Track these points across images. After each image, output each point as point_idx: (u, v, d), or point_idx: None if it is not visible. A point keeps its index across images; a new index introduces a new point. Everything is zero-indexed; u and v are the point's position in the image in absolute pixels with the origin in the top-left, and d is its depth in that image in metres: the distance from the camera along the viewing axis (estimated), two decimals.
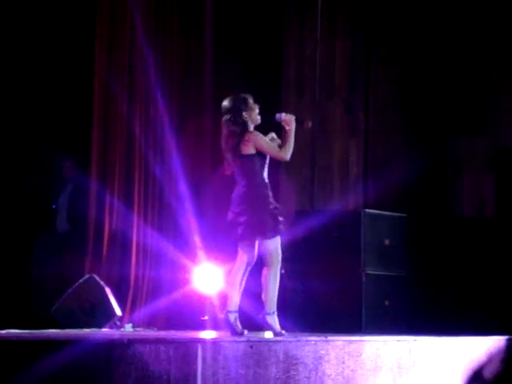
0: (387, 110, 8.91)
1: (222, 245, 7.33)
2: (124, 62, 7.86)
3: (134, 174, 7.79)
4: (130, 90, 7.83)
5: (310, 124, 6.17)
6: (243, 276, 5.91)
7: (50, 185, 8.49)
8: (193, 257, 7.64)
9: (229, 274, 6.05)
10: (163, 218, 7.79)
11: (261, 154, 5.87)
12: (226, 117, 5.87)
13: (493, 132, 8.94)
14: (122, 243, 7.68)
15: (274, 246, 5.90)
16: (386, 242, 7.75)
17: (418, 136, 8.96)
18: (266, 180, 5.92)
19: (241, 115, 5.84)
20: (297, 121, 5.97)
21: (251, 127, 5.89)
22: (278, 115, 6.00)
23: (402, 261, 7.92)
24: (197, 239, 7.71)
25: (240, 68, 8.50)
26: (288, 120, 5.96)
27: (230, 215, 5.89)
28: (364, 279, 7.52)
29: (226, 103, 5.93)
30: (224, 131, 5.89)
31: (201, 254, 7.68)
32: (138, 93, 7.83)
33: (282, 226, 5.89)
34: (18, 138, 8.33)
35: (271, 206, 5.87)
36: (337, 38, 8.78)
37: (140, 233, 7.66)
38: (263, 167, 5.90)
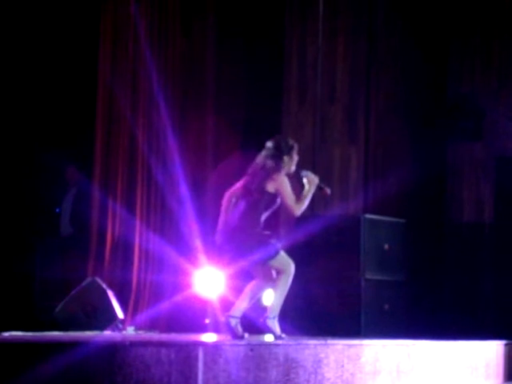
0: (388, 115, 8.95)
1: (224, 249, 7.38)
2: (127, 67, 7.91)
3: (136, 179, 7.83)
4: (132, 95, 7.88)
5: (328, 192, 6.29)
6: (260, 292, 6.06)
7: (54, 189, 8.54)
8: (194, 261, 7.69)
9: (249, 284, 6.11)
10: (165, 222, 7.83)
11: (272, 198, 6.00)
12: (269, 152, 6.07)
13: (491, 139, 9.00)
14: (124, 247, 7.72)
15: (278, 262, 6.02)
16: (386, 246, 7.79)
17: (417, 142, 9.02)
18: (262, 219, 6.04)
19: (282, 157, 6.05)
20: (318, 183, 6.12)
21: (283, 172, 6.05)
22: (304, 172, 6.15)
23: (401, 265, 7.96)
24: (198, 243, 7.74)
25: (241, 73, 8.55)
26: (311, 180, 6.11)
27: (219, 237, 6.03)
28: (363, 284, 7.56)
29: (272, 141, 6.12)
30: (259, 163, 6.07)
31: (202, 257, 7.72)
32: (141, 98, 7.87)
33: (275, 246, 5.99)
34: (22, 142, 8.38)
35: (259, 234, 5.98)
36: (338, 43, 8.82)
37: (142, 237, 7.70)
38: (267, 210, 6.04)
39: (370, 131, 8.81)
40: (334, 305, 7.55)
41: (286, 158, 6.07)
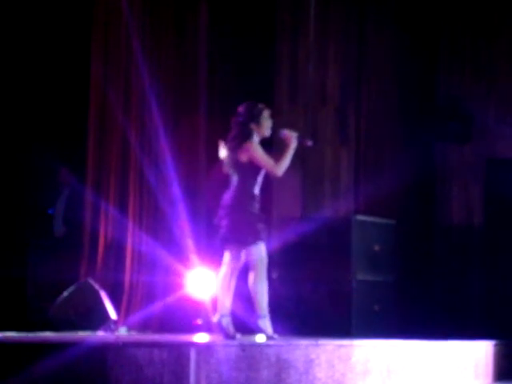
0: (378, 116, 9.01)
1: (216, 249, 7.43)
2: (120, 69, 7.93)
3: (128, 180, 7.85)
4: (125, 97, 7.91)
5: (310, 143, 6.24)
6: (231, 279, 6.03)
7: (47, 190, 8.57)
8: (186, 261, 7.72)
9: (218, 278, 6.16)
10: (157, 224, 7.86)
11: (254, 166, 5.97)
12: (237, 119, 6.01)
13: (480, 141, 9.07)
14: (117, 248, 7.75)
15: (257, 252, 6.01)
16: (376, 247, 7.84)
17: (407, 143, 9.08)
18: (256, 191, 6.01)
19: (249, 123, 5.98)
20: (298, 139, 6.08)
21: (255, 138, 6.00)
22: (282, 132, 6.10)
23: (391, 266, 8.01)
24: (190, 243, 7.78)
25: (233, 73, 8.58)
26: (289, 137, 6.06)
27: (216, 217, 6.04)
28: (354, 284, 7.61)
29: (242, 107, 6.05)
30: (231, 133, 6.04)
31: (194, 258, 7.75)
32: (134, 100, 7.90)
33: (261, 234, 5.98)
34: (15, 144, 8.40)
35: (252, 215, 5.96)
36: (329, 44, 8.87)
37: (135, 238, 7.73)
38: (255, 179, 5.99)
39: (360, 132, 8.86)
40: (325, 305, 7.60)
41: (253, 126, 5.99)
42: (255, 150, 5.95)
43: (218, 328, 5.96)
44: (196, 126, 8.17)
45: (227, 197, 6.02)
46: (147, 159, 7.81)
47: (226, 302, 5.98)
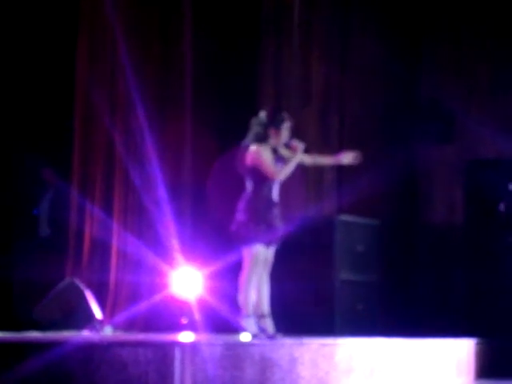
0: (361, 118, 9.07)
1: (201, 248, 7.48)
2: (105, 71, 7.97)
3: (114, 180, 7.88)
4: (110, 98, 7.94)
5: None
6: (252, 279, 6.00)
7: (32, 190, 8.58)
8: (171, 261, 7.76)
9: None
10: (143, 224, 7.89)
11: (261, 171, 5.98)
12: (256, 121, 6.04)
13: (462, 142, 9.16)
14: (102, 248, 7.77)
15: (249, 253, 6.02)
16: (359, 247, 7.90)
17: (390, 144, 9.15)
18: (273, 197, 6.00)
19: (268, 127, 6.00)
20: (305, 150, 6.16)
21: (268, 143, 6.01)
22: (291, 142, 6.13)
23: (374, 266, 8.08)
24: (175, 243, 7.81)
25: (218, 75, 8.62)
26: (298, 148, 6.09)
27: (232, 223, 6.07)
28: (337, 284, 7.67)
29: (264, 111, 6.10)
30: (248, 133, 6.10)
31: (179, 257, 7.78)
32: (119, 101, 7.94)
33: (257, 236, 5.98)
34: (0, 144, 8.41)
35: (253, 217, 5.96)
36: (313, 46, 8.92)
37: (120, 238, 7.76)
38: (267, 183, 5.99)
39: (344, 133, 8.92)
40: (308, 305, 7.65)
41: (272, 130, 6.01)
42: (258, 153, 5.96)
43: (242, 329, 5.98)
44: (181, 128, 8.20)
45: (240, 201, 6.04)
46: (132, 160, 7.84)
47: (246, 302, 6.00)
